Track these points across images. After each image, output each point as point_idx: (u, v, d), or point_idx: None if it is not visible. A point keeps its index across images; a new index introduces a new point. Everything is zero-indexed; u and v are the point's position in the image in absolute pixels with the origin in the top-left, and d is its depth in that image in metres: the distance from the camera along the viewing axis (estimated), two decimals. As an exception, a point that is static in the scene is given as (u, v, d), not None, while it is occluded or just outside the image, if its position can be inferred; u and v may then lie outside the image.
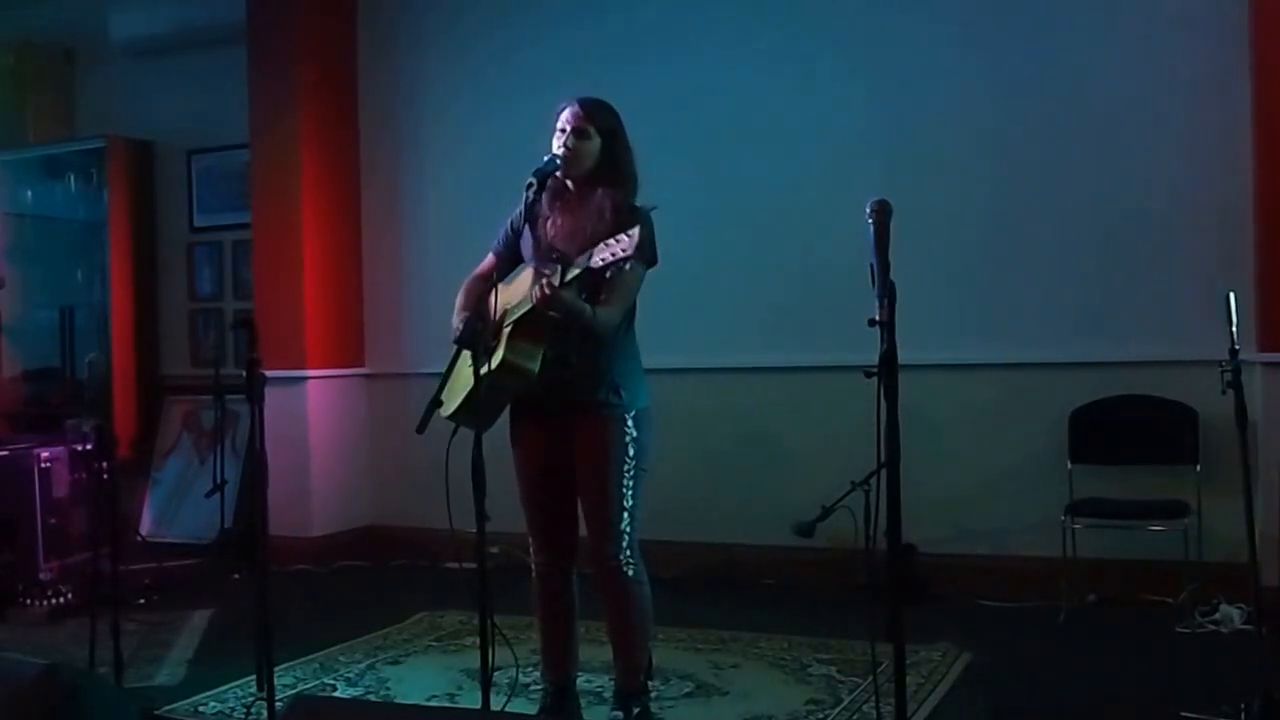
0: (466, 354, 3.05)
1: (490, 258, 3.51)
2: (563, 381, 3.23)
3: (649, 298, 3.41)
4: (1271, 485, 4.49)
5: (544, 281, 3.04)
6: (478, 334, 3.06)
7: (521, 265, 3.40)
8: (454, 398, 3.23)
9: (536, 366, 3.17)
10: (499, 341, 3.18)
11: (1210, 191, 4.91)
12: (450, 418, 3.20)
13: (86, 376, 6.73)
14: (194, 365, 6.94)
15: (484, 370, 3.10)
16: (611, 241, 2.95)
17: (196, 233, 6.99)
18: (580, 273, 3.02)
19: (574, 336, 3.20)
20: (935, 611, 4.80)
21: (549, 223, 3.33)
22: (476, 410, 2.98)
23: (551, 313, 3.08)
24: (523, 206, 3.34)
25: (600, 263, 2.95)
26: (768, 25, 5.65)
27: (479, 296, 3.35)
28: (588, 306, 3.14)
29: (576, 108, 3.30)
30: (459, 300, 3.45)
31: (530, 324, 3.15)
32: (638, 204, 3.32)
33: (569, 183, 3.32)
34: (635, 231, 2.92)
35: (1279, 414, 4.58)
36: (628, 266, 2.98)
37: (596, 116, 3.30)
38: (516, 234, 3.43)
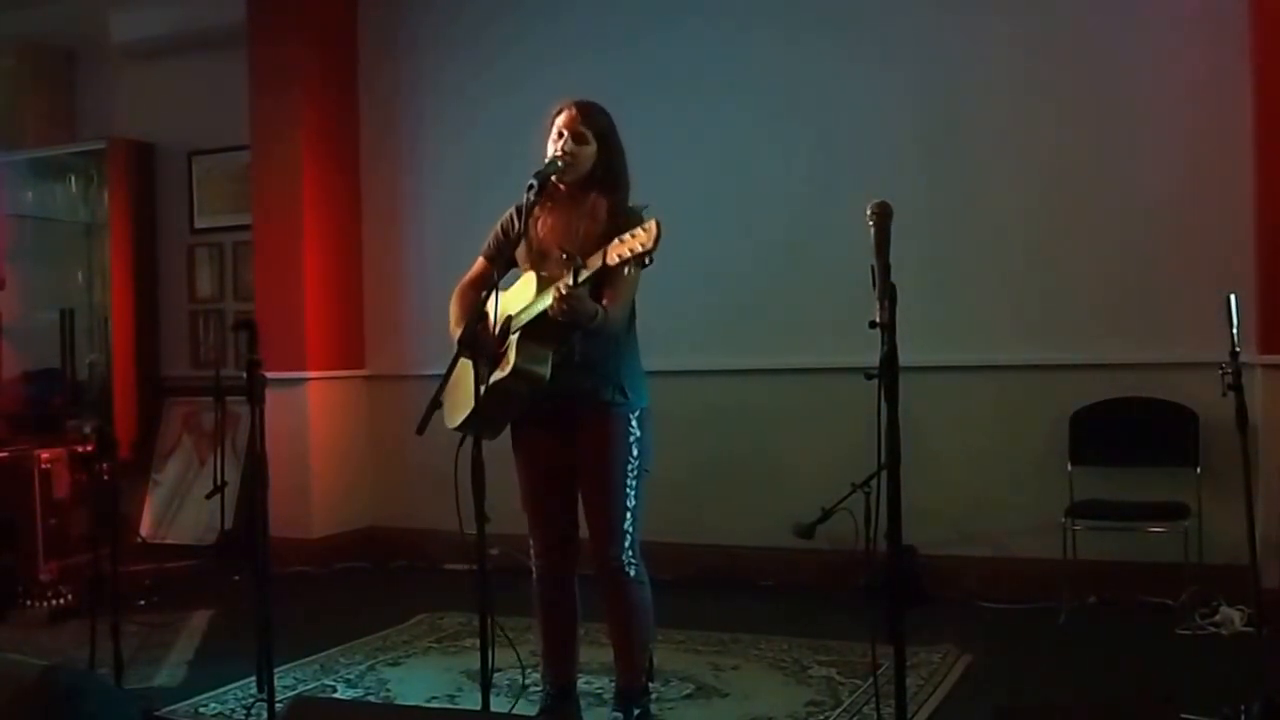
0: (467, 361, 3.04)
1: (481, 262, 3.49)
2: (569, 381, 3.22)
3: (650, 299, 3.40)
4: (1272, 487, 4.49)
5: (561, 285, 3.01)
6: (480, 338, 3.05)
7: (516, 270, 3.38)
8: (459, 408, 3.21)
9: (549, 371, 3.16)
10: (508, 348, 3.17)
11: (1211, 193, 4.91)
12: (458, 429, 3.20)
13: (87, 378, 6.74)
14: (194, 367, 6.93)
15: (493, 377, 3.10)
16: (627, 237, 2.91)
17: (197, 234, 6.98)
18: (592, 272, 2.99)
19: (579, 336, 3.18)
20: (935, 613, 4.79)
21: (539, 223, 3.34)
22: (487, 419, 2.96)
23: (568, 317, 3.04)
24: (523, 209, 3.31)
25: (617, 259, 2.92)
26: (779, 10, 5.62)
27: (475, 303, 3.30)
28: (599, 308, 3.12)
29: (573, 111, 3.29)
30: (454, 310, 3.44)
31: (539, 329, 3.14)
32: (631, 205, 3.30)
33: (561, 185, 3.31)
34: (652, 225, 2.87)
35: (1279, 416, 4.58)
36: (648, 261, 2.92)
37: (592, 120, 3.29)
38: (509, 237, 3.40)
